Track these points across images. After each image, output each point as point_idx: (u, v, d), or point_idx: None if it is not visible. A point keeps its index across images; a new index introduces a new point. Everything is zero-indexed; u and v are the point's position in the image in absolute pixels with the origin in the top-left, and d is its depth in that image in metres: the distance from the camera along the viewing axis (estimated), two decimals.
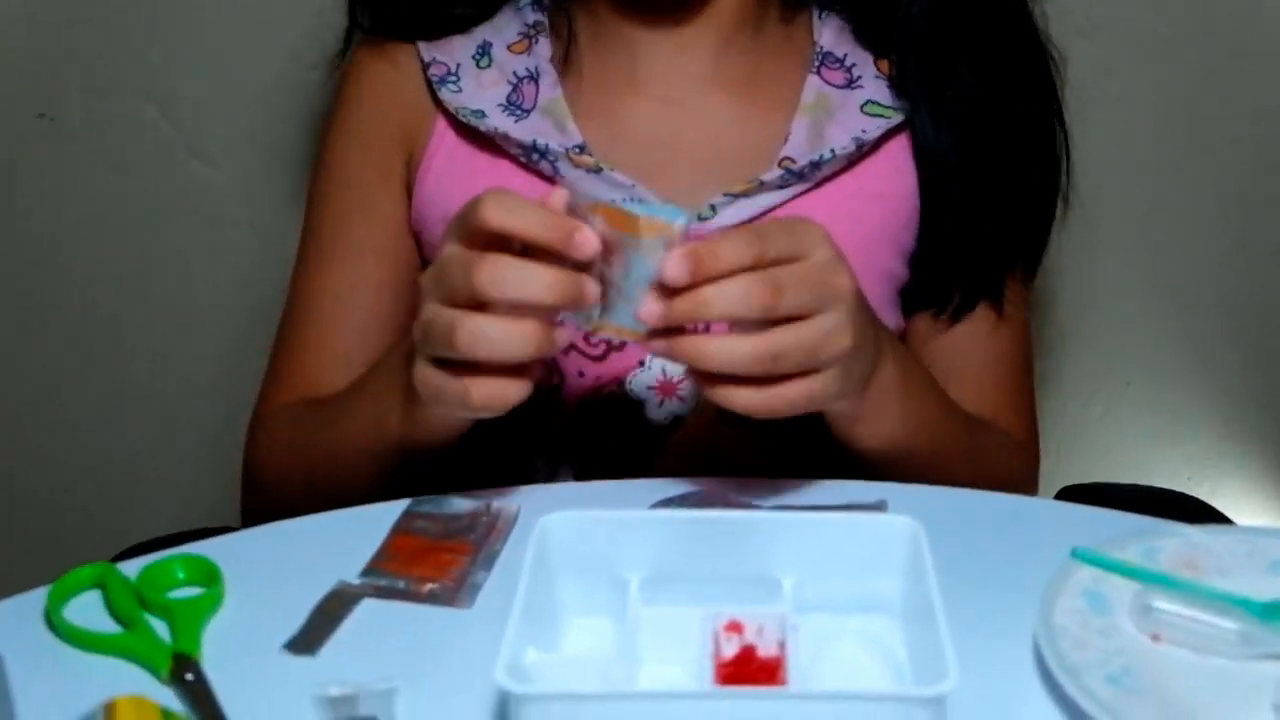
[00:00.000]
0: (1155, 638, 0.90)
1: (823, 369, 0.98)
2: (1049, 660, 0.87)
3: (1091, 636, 0.89)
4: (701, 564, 0.88)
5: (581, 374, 1.24)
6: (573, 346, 1.23)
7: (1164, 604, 0.91)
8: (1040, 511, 1.03)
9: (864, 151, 1.25)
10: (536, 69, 1.27)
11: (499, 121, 1.24)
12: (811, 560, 0.89)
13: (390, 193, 1.31)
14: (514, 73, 1.27)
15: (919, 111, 1.26)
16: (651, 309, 0.95)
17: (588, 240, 0.93)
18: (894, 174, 1.27)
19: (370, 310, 1.30)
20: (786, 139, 1.24)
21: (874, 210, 1.27)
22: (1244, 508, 1.88)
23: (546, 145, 1.22)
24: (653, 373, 1.23)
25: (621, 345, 1.22)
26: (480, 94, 1.26)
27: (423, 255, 1.32)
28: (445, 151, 1.29)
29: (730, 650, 0.85)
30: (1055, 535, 1.00)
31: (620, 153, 1.24)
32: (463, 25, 1.30)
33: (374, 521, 1.02)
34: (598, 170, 1.22)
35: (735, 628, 0.86)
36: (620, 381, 1.24)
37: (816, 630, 0.87)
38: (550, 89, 1.26)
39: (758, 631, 0.86)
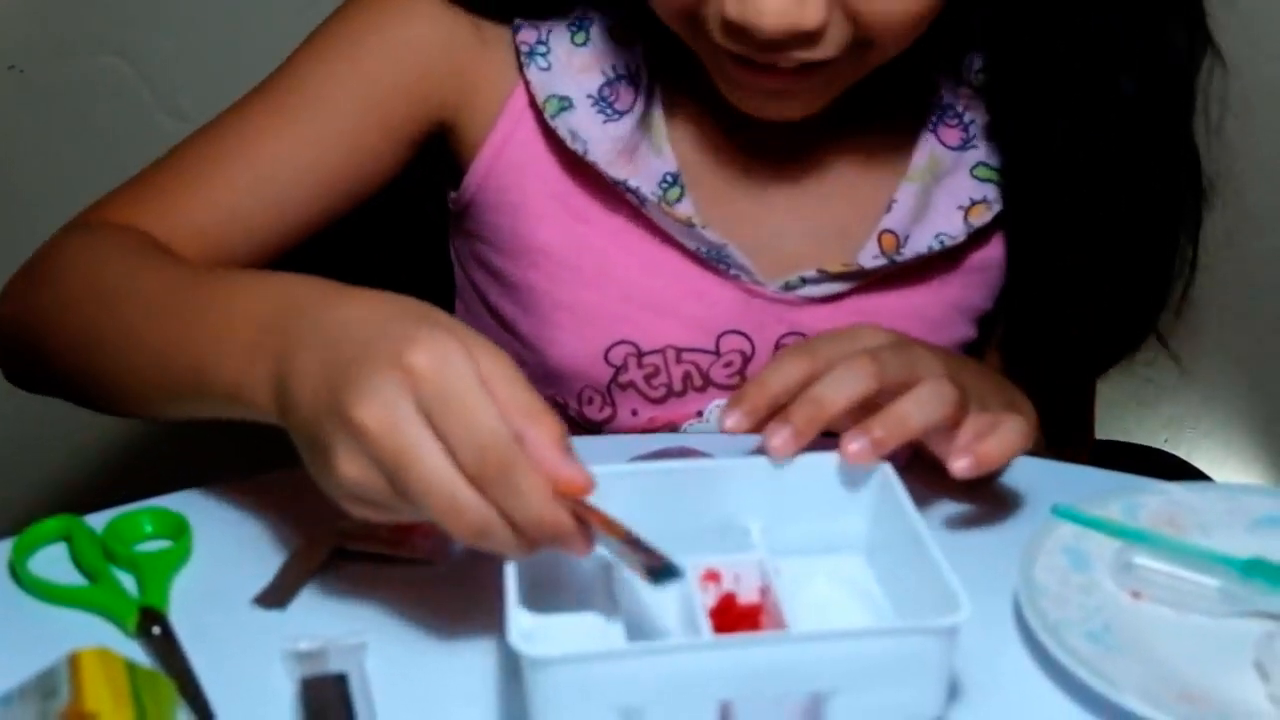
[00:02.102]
0: (1136, 595, 0.90)
1: (1002, 416, 0.95)
2: (1029, 617, 0.86)
3: (1072, 594, 0.89)
4: (669, 516, 0.87)
5: (635, 413, 1.18)
6: (631, 384, 1.17)
7: (1145, 561, 0.90)
8: (1021, 467, 1.02)
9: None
10: (637, 70, 1.13)
11: (587, 123, 1.12)
12: (777, 503, 0.89)
13: (401, 112, 1.15)
14: (612, 66, 1.14)
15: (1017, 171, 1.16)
16: (783, 438, 0.90)
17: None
18: (990, 244, 1.19)
19: (296, 187, 1.13)
20: (890, 206, 1.15)
21: (964, 283, 1.19)
22: (1221, 470, 1.88)
23: (638, 188, 1.11)
24: (710, 425, 1.18)
25: (683, 392, 1.17)
26: (570, 77, 1.13)
27: (473, 231, 1.21)
28: (520, 140, 1.15)
29: (710, 599, 0.85)
30: (1036, 491, 1.00)
31: (711, 188, 1.15)
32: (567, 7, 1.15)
33: None
34: (690, 225, 1.12)
35: (713, 577, 0.86)
36: (675, 427, 1.18)
37: (788, 573, 0.86)
38: (652, 100, 1.14)
39: (735, 579, 0.86)
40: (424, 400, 0.77)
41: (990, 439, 0.93)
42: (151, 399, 0.96)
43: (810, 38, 0.97)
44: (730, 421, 0.94)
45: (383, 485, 0.78)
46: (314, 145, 1.13)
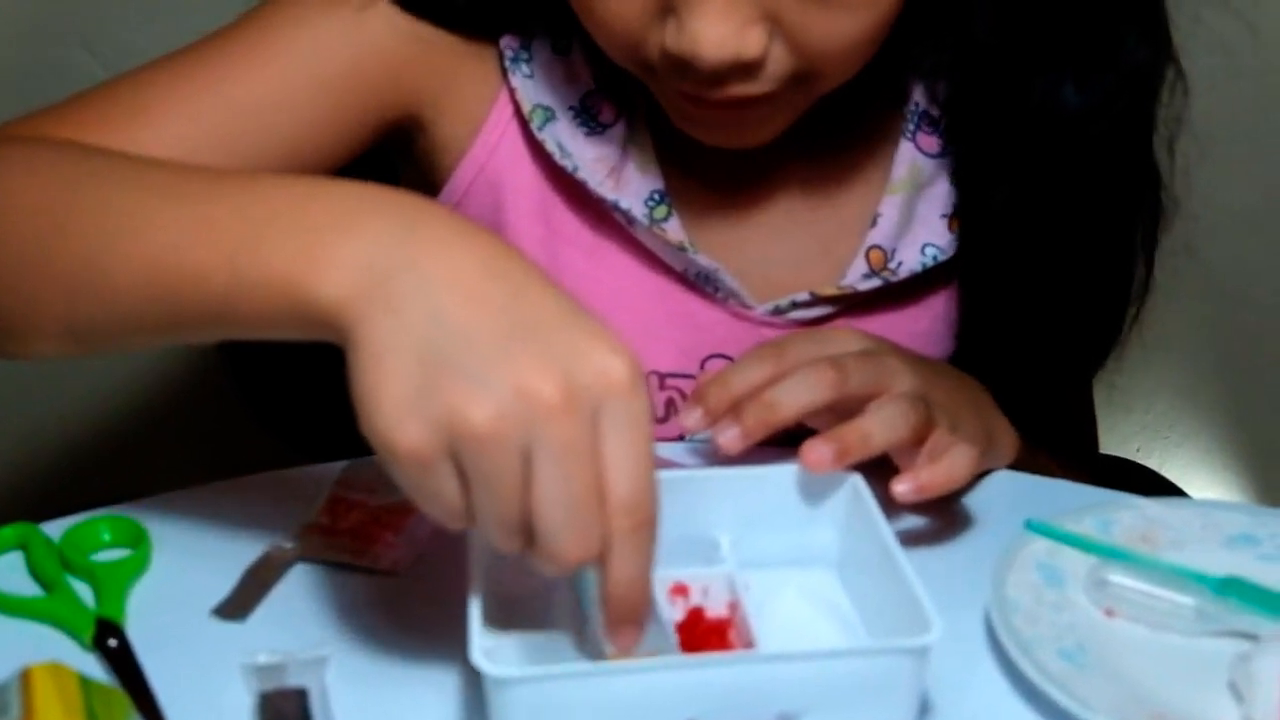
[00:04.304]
0: (1109, 612, 0.89)
1: (958, 441, 0.93)
2: (1001, 634, 0.85)
3: (1044, 611, 0.88)
4: None
5: None
6: None
7: (1119, 578, 0.89)
8: (994, 481, 1.01)
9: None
10: (620, 83, 1.08)
11: (569, 137, 1.09)
12: (747, 516, 0.88)
13: (378, 87, 1.07)
14: (594, 78, 1.09)
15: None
16: (730, 436, 0.91)
17: None
18: None
19: (271, 132, 1.04)
20: (875, 220, 1.11)
21: (949, 296, 1.16)
22: (1193, 480, 1.87)
23: (629, 209, 1.08)
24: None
25: (666, 418, 1.14)
26: (552, 87, 1.09)
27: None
28: (506, 152, 1.11)
29: (678, 613, 0.84)
30: (1009, 505, 0.99)
31: (696, 206, 1.11)
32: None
33: (309, 484, 0.99)
34: (681, 249, 1.09)
35: (681, 590, 0.85)
36: None
37: (757, 586, 0.85)
38: (635, 114, 1.10)
39: (703, 593, 0.85)
40: (606, 409, 0.70)
41: (935, 466, 0.92)
42: (123, 313, 0.82)
43: (750, 69, 0.95)
44: (690, 421, 0.94)
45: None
46: (289, 99, 1.05)
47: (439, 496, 0.72)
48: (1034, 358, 1.17)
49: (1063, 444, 1.22)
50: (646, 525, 0.72)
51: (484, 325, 0.70)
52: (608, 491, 0.71)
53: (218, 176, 0.83)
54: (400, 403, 0.70)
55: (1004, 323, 1.15)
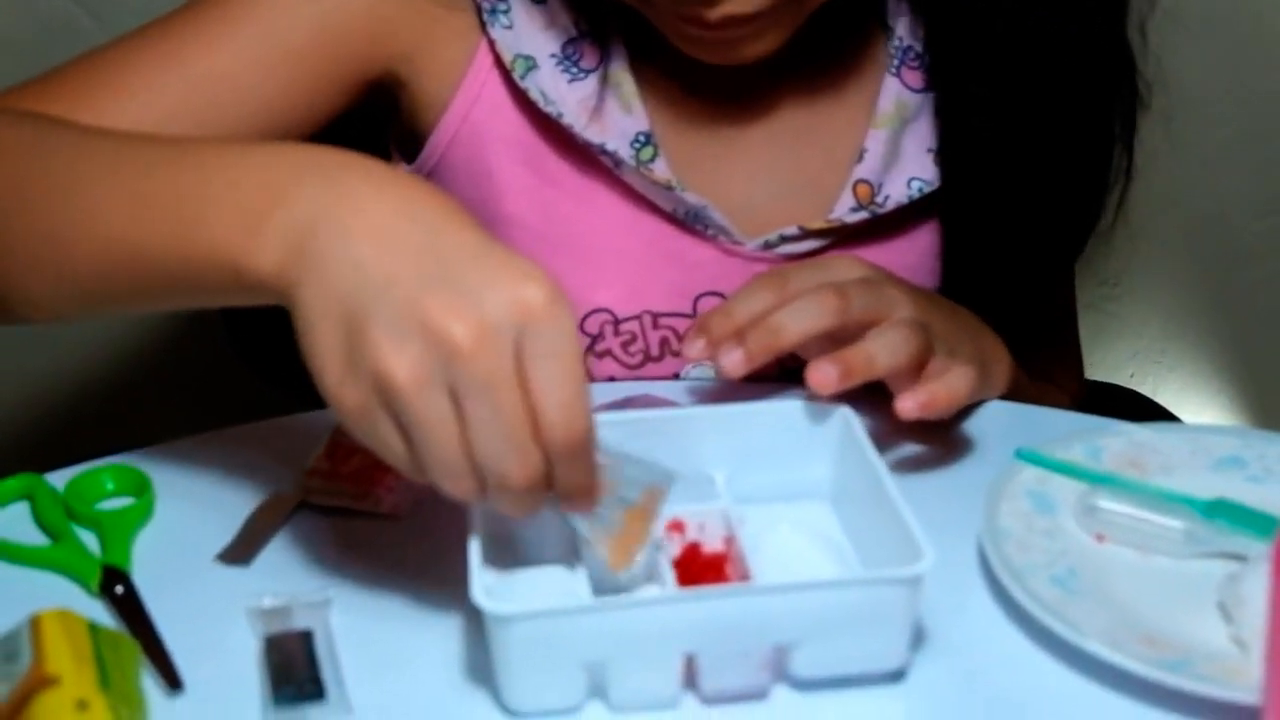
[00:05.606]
0: (1100, 538, 0.90)
1: (959, 361, 0.96)
2: (993, 562, 0.86)
3: (1036, 538, 0.89)
4: None
5: (611, 379, 1.14)
6: (608, 352, 1.14)
7: (1108, 504, 0.90)
8: (984, 411, 1.02)
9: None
10: (600, 26, 1.10)
11: (553, 84, 1.09)
12: (741, 452, 0.90)
13: (353, 50, 1.09)
14: (574, 23, 1.10)
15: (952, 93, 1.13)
16: (734, 360, 0.93)
17: None
18: None
19: (234, 107, 1.06)
20: (862, 155, 1.13)
21: (935, 227, 1.17)
22: (1186, 405, 1.88)
23: (615, 151, 1.09)
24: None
25: (660, 357, 1.15)
26: (532, 36, 1.09)
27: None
28: (487, 102, 1.12)
29: (674, 550, 0.85)
30: (999, 434, 1.00)
31: (682, 147, 1.12)
32: None
33: (310, 431, 1.00)
34: (669, 188, 1.10)
35: (677, 527, 0.86)
36: None
37: (752, 521, 0.86)
38: (617, 57, 1.10)
39: (699, 529, 0.86)
40: (527, 336, 0.72)
41: (937, 383, 0.93)
42: (85, 288, 0.86)
43: None
44: (694, 351, 0.95)
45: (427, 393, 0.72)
46: (257, 67, 1.06)
47: (388, 448, 0.75)
48: (1019, 258, 1.18)
49: (1050, 361, 1.24)
50: (583, 440, 0.74)
51: (399, 271, 0.73)
52: (539, 415, 0.72)
53: (155, 148, 0.86)
54: (336, 366, 0.73)
55: (990, 241, 1.17)
